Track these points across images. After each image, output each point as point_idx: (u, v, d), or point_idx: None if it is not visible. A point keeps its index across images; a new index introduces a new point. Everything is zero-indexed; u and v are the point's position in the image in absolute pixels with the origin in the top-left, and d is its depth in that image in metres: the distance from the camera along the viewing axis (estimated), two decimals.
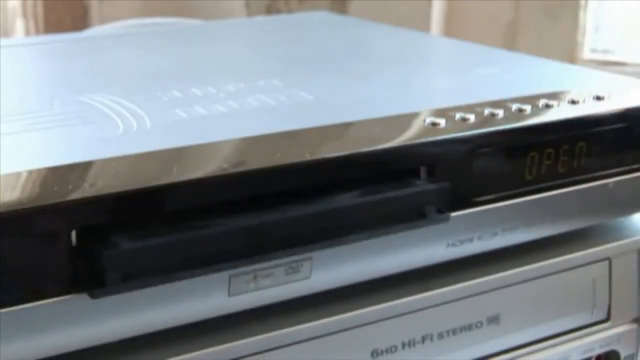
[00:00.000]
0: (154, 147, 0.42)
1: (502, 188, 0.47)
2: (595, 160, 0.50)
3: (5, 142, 0.43)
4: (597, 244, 0.52)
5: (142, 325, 0.40)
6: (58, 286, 0.37)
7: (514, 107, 0.49)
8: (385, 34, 0.75)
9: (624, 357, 0.53)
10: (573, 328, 0.52)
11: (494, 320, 0.49)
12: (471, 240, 0.47)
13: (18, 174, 0.39)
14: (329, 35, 0.74)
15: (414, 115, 0.48)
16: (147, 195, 0.38)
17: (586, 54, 1.36)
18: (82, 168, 0.40)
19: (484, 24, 1.40)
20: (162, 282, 0.38)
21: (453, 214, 0.45)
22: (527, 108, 0.48)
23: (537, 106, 0.49)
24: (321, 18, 0.85)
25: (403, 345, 0.46)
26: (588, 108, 0.50)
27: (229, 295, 0.41)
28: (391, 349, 0.46)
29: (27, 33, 1.41)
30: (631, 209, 0.53)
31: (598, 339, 0.52)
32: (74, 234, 0.37)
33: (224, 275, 0.41)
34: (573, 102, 0.50)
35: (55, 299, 0.37)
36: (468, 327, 0.48)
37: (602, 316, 0.53)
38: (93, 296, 0.37)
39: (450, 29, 1.41)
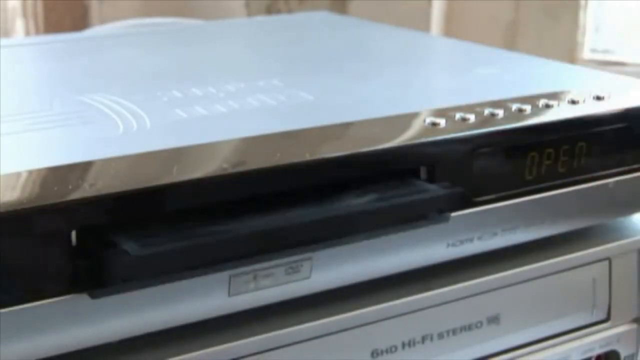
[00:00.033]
0: (154, 147, 0.42)
1: (502, 188, 0.47)
2: (595, 160, 0.50)
3: (5, 142, 0.43)
4: (597, 244, 0.52)
5: (142, 325, 0.40)
6: (58, 286, 0.37)
7: (514, 107, 0.49)
8: (385, 34, 0.75)
9: (624, 357, 0.53)
10: (573, 328, 0.52)
11: (494, 320, 0.49)
12: (471, 240, 0.47)
13: (18, 174, 0.39)
14: (329, 35, 0.74)
15: (414, 115, 0.48)
16: (147, 195, 0.38)
17: (586, 54, 1.36)
18: (82, 168, 0.40)
19: (484, 24, 1.40)
20: (163, 282, 0.38)
21: (453, 214, 0.45)
22: (527, 108, 0.48)
23: (537, 106, 0.49)
24: (321, 18, 0.85)
25: (403, 345, 0.46)
26: (588, 108, 0.50)
27: (229, 295, 0.41)
28: (391, 349, 0.46)
29: (27, 33, 1.41)
30: (631, 209, 0.53)
31: (598, 339, 0.52)
32: (74, 234, 0.37)
33: (224, 275, 0.41)
34: (573, 102, 0.50)
35: (55, 299, 0.37)
36: (468, 327, 0.48)
37: (602, 316, 0.53)
38: (93, 296, 0.37)
39: (450, 29, 1.41)
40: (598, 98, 0.51)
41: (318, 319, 0.44)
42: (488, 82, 0.56)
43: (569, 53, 1.34)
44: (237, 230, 0.39)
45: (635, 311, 0.54)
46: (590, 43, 1.36)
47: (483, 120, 0.47)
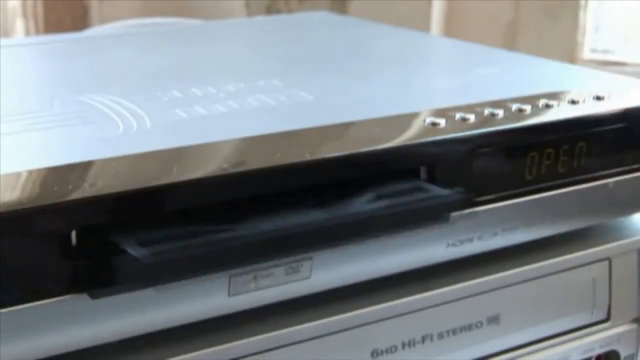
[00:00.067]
0: (154, 147, 0.42)
1: (502, 188, 0.47)
2: (595, 160, 0.50)
3: (5, 142, 0.43)
4: (597, 244, 0.52)
5: (142, 325, 0.40)
6: (58, 286, 0.37)
7: (514, 107, 0.49)
8: (385, 34, 0.75)
9: (624, 357, 0.53)
10: (573, 328, 0.52)
11: (494, 320, 0.49)
12: (471, 240, 0.47)
13: (18, 174, 0.39)
14: (329, 35, 0.74)
15: (414, 115, 0.48)
16: (147, 195, 0.38)
17: (586, 54, 1.36)
18: (82, 168, 0.40)
19: (484, 24, 1.40)
20: (164, 283, 0.38)
21: (453, 214, 0.45)
22: (527, 108, 0.48)
23: (537, 106, 0.49)
24: (321, 18, 0.85)
25: (403, 345, 0.46)
26: (588, 108, 0.50)
27: (229, 295, 0.41)
28: (391, 349, 0.46)
29: (27, 33, 1.41)
30: (631, 209, 0.53)
31: (598, 339, 0.52)
32: (74, 234, 0.37)
33: (224, 275, 0.41)
34: (573, 102, 0.50)
35: (55, 299, 0.37)
36: (468, 327, 0.48)
37: (602, 316, 0.53)
38: (93, 296, 0.37)
39: (450, 29, 1.41)
40: (598, 98, 0.51)
41: (318, 319, 0.44)
42: (488, 82, 0.56)
43: (569, 53, 1.34)
44: (246, 235, 0.39)
45: (635, 311, 0.54)
46: (590, 43, 1.36)
47: (483, 120, 0.47)
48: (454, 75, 0.60)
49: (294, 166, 0.41)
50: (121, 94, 0.51)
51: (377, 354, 0.46)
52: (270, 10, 1.47)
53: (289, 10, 1.45)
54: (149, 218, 0.39)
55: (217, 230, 0.39)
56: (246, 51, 0.70)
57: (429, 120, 0.46)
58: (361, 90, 0.54)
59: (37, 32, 1.42)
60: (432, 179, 0.44)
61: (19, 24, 1.41)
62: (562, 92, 0.52)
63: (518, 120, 0.48)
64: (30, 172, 0.39)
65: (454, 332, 0.48)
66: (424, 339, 0.47)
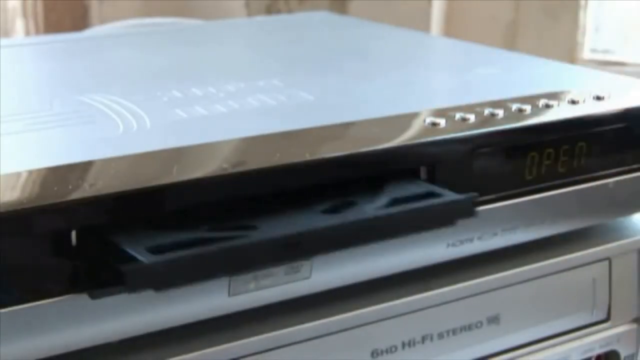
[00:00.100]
0: (154, 147, 0.42)
1: (502, 188, 0.47)
2: (595, 160, 0.50)
3: (5, 142, 0.43)
4: (597, 244, 0.52)
5: (142, 325, 0.40)
6: (58, 286, 0.37)
7: (514, 107, 0.49)
8: (385, 34, 0.75)
9: (624, 357, 0.53)
10: (573, 328, 0.52)
11: (494, 320, 0.49)
12: (471, 240, 0.47)
13: (18, 174, 0.39)
14: (329, 35, 0.74)
15: (414, 115, 0.48)
16: (147, 195, 0.38)
17: (586, 54, 1.36)
18: (82, 168, 0.40)
19: (484, 24, 1.39)
20: (171, 288, 0.38)
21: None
22: (527, 108, 0.48)
23: (537, 106, 0.49)
24: (321, 18, 0.85)
25: (403, 345, 0.46)
26: (588, 108, 0.50)
27: (229, 295, 0.41)
28: (391, 349, 0.46)
29: (27, 33, 1.41)
30: (631, 209, 0.53)
31: (598, 339, 0.52)
32: (74, 234, 0.37)
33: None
34: (573, 102, 0.50)
35: (55, 299, 0.37)
36: (468, 327, 0.48)
37: (602, 316, 0.53)
38: (93, 296, 0.37)
39: (450, 29, 1.41)
40: (598, 98, 0.51)
41: (318, 319, 0.44)
42: (488, 82, 0.56)
43: (569, 53, 1.34)
44: (259, 242, 0.38)
45: (635, 311, 0.54)
46: (590, 43, 1.36)
47: (483, 120, 0.47)
48: (454, 75, 0.60)
49: (294, 166, 0.41)
50: (121, 94, 0.51)
51: (377, 354, 0.46)
52: (270, 10, 1.47)
53: (289, 10, 1.45)
54: (152, 219, 0.39)
55: (228, 237, 0.38)
56: (246, 51, 0.70)
57: (429, 120, 0.46)
58: (361, 90, 0.54)
59: (37, 32, 1.42)
60: (432, 179, 0.44)
61: (19, 24, 1.41)
62: (562, 92, 0.52)
63: (518, 120, 0.48)
64: (30, 172, 0.39)
65: (454, 332, 0.48)
66: (424, 339, 0.47)
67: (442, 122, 0.46)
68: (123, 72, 0.61)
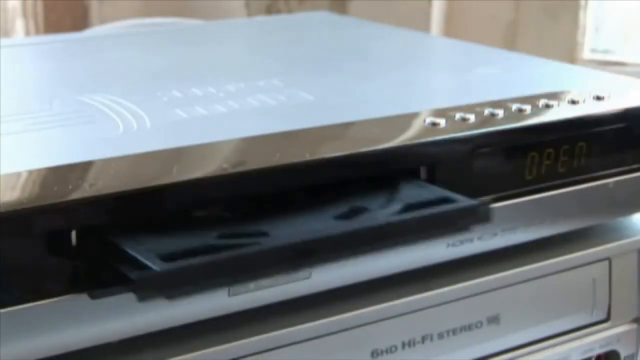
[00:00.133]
0: (154, 147, 0.42)
1: (502, 188, 0.47)
2: (595, 160, 0.50)
3: (5, 142, 0.43)
4: (597, 244, 0.52)
5: (142, 325, 0.40)
6: (58, 286, 0.37)
7: (514, 107, 0.49)
8: (385, 34, 0.75)
9: (624, 357, 0.53)
10: (573, 328, 0.52)
11: (494, 320, 0.49)
12: (471, 240, 0.47)
13: (18, 174, 0.39)
14: (329, 35, 0.74)
15: (414, 115, 0.48)
16: (147, 195, 0.38)
17: (586, 54, 1.36)
18: (82, 168, 0.40)
19: (484, 24, 1.40)
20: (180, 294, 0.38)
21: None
22: (527, 108, 0.48)
23: (537, 106, 0.49)
24: (321, 18, 0.85)
25: (403, 345, 0.46)
26: (588, 108, 0.50)
27: (229, 295, 0.41)
28: (391, 349, 0.46)
29: (27, 33, 1.41)
30: (631, 209, 0.53)
31: (598, 339, 0.52)
32: (74, 234, 0.37)
33: None
34: (573, 102, 0.50)
35: (55, 299, 0.37)
36: (468, 327, 0.48)
37: (602, 316, 0.53)
38: (93, 296, 0.37)
39: (450, 29, 1.41)
40: (598, 98, 0.51)
41: (318, 319, 0.44)
42: (488, 82, 0.56)
43: (569, 53, 1.34)
44: (269, 246, 0.38)
45: (635, 311, 0.54)
46: (590, 43, 1.36)
47: (483, 120, 0.47)
48: (454, 75, 0.60)
49: (294, 166, 0.41)
50: (121, 94, 0.51)
51: (377, 354, 0.46)
52: (270, 10, 1.47)
53: (289, 10, 1.45)
54: (155, 220, 0.38)
55: (240, 245, 0.37)
56: (246, 51, 0.70)
57: (429, 120, 0.46)
58: (361, 90, 0.54)
59: (37, 32, 1.42)
60: (432, 179, 0.44)
61: (19, 24, 1.41)
62: (562, 92, 0.52)
63: (518, 120, 0.48)
64: (30, 172, 0.39)
65: (454, 332, 0.48)
66: (424, 339, 0.47)
67: (442, 122, 0.46)
68: (123, 72, 0.61)
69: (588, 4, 1.34)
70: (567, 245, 0.51)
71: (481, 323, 0.48)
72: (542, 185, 0.48)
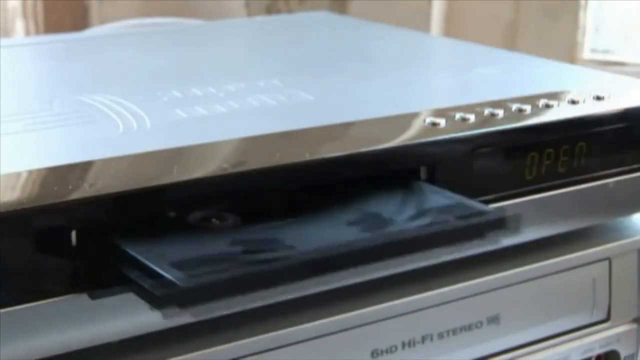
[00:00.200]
0: (154, 147, 0.42)
1: (502, 188, 0.47)
2: (595, 160, 0.50)
3: (5, 142, 0.43)
4: (597, 244, 0.52)
5: (142, 325, 0.40)
6: (58, 286, 0.37)
7: (514, 107, 0.49)
8: (385, 34, 0.75)
9: (624, 357, 0.53)
10: (573, 328, 0.52)
11: (494, 320, 0.49)
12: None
13: (18, 174, 0.39)
14: (329, 35, 0.74)
15: (414, 115, 0.48)
16: (147, 195, 0.38)
17: (586, 54, 1.36)
18: (82, 168, 0.40)
19: (484, 24, 1.40)
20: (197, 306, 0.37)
21: None
22: (527, 108, 0.48)
23: (537, 106, 0.49)
24: (321, 18, 0.85)
25: (403, 345, 0.46)
26: (588, 108, 0.50)
27: None
28: (391, 349, 0.46)
29: (27, 33, 1.41)
30: (631, 209, 0.53)
31: (598, 339, 0.52)
32: (74, 234, 0.37)
33: None
34: (573, 102, 0.50)
35: (55, 299, 0.37)
36: (468, 327, 0.48)
37: (602, 316, 0.53)
38: (93, 297, 0.37)
39: (450, 29, 1.41)
40: (598, 98, 0.51)
41: (318, 319, 0.44)
42: (488, 82, 0.56)
43: (569, 53, 1.34)
44: (294, 260, 0.37)
45: (635, 311, 0.54)
46: (590, 43, 1.36)
47: (483, 120, 0.47)
48: (454, 75, 0.60)
49: (294, 166, 0.41)
50: (121, 94, 0.51)
51: (377, 354, 0.46)
52: (270, 10, 1.47)
53: (289, 10, 1.45)
54: (149, 218, 0.38)
55: (266, 259, 0.37)
56: (246, 51, 0.70)
57: (429, 120, 0.46)
58: (361, 90, 0.54)
59: (37, 32, 1.42)
60: (432, 179, 0.44)
61: (19, 24, 1.41)
62: (562, 92, 0.52)
63: (518, 120, 0.48)
64: (30, 172, 0.39)
65: (454, 332, 0.48)
66: (424, 339, 0.47)
67: (442, 122, 0.46)
68: (123, 72, 0.61)
69: (588, 4, 1.34)
70: (567, 245, 0.51)
71: (481, 323, 0.48)
72: (542, 185, 0.48)
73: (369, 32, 0.76)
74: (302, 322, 0.43)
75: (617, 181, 0.51)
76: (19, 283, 0.36)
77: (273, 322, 0.43)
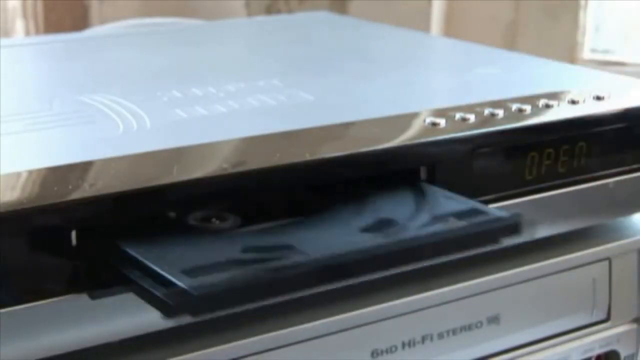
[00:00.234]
0: (154, 147, 0.42)
1: (502, 188, 0.47)
2: (595, 160, 0.50)
3: (5, 142, 0.43)
4: (597, 244, 0.52)
5: (142, 325, 0.40)
6: (58, 286, 0.37)
7: (514, 107, 0.49)
8: (385, 34, 0.75)
9: (624, 357, 0.53)
10: (573, 328, 0.52)
11: (494, 320, 0.49)
12: None
13: (18, 174, 0.39)
14: (329, 35, 0.74)
15: (414, 115, 0.48)
16: (147, 195, 0.38)
17: (586, 54, 1.36)
18: (82, 168, 0.40)
19: (484, 24, 1.40)
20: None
21: None
22: (527, 108, 0.48)
23: (537, 106, 0.49)
24: (321, 18, 0.85)
25: (403, 345, 0.46)
26: (588, 108, 0.50)
27: None
28: (391, 349, 0.46)
29: (27, 33, 1.41)
30: (631, 209, 0.53)
31: (598, 339, 0.52)
32: (74, 234, 0.37)
33: None
34: (573, 102, 0.50)
35: (55, 299, 0.37)
36: (468, 327, 0.48)
37: (602, 316, 0.53)
38: (93, 297, 0.37)
39: (450, 29, 1.41)
40: (598, 98, 0.51)
41: (318, 319, 0.44)
42: (488, 82, 0.56)
43: (569, 53, 1.34)
44: (307, 268, 0.36)
45: (635, 311, 0.54)
46: (590, 43, 1.36)
47: (483, 120, 0.47)
48: (454, 75, 0.60)
49: (294, 166, 0.41)
50: (121, 94, 0.51)
51: (377, 354, 0.46)
52: (270, 10, 1.47)
53: (289, 10, 1.45)
54: (149, 218, 0.38)
55: (279, 267, 0.36)
56: (246, 51, 0.70)
57: (429, 120, 0.46)
58: (361, 90, 0.54)
59: (37, 32, 1.42)
60: (432, 179, 0.44)
61: (19, 24, 1.41)
62: (562, 92, 0.52)
63: (518, 120, 0.48)
64: (30, 172, 0.39)
65: (454, 332, 0.48)
66: (424, 339, 0.47)
67: (442, 122, 0.46)
68: (123, 72, 0.61)
69: (588, 4, 1.34)
70: (567, 245, 0.51)
71: (481, 323, 0.48)
72: (542, 185, 0.48)
73: (369, 32, 0.76)
74: (302, 322, 0.43)
75: (617, 181, 0.51)
76: (19, 283, 0.36)
77: (273, 322, 0.43)
